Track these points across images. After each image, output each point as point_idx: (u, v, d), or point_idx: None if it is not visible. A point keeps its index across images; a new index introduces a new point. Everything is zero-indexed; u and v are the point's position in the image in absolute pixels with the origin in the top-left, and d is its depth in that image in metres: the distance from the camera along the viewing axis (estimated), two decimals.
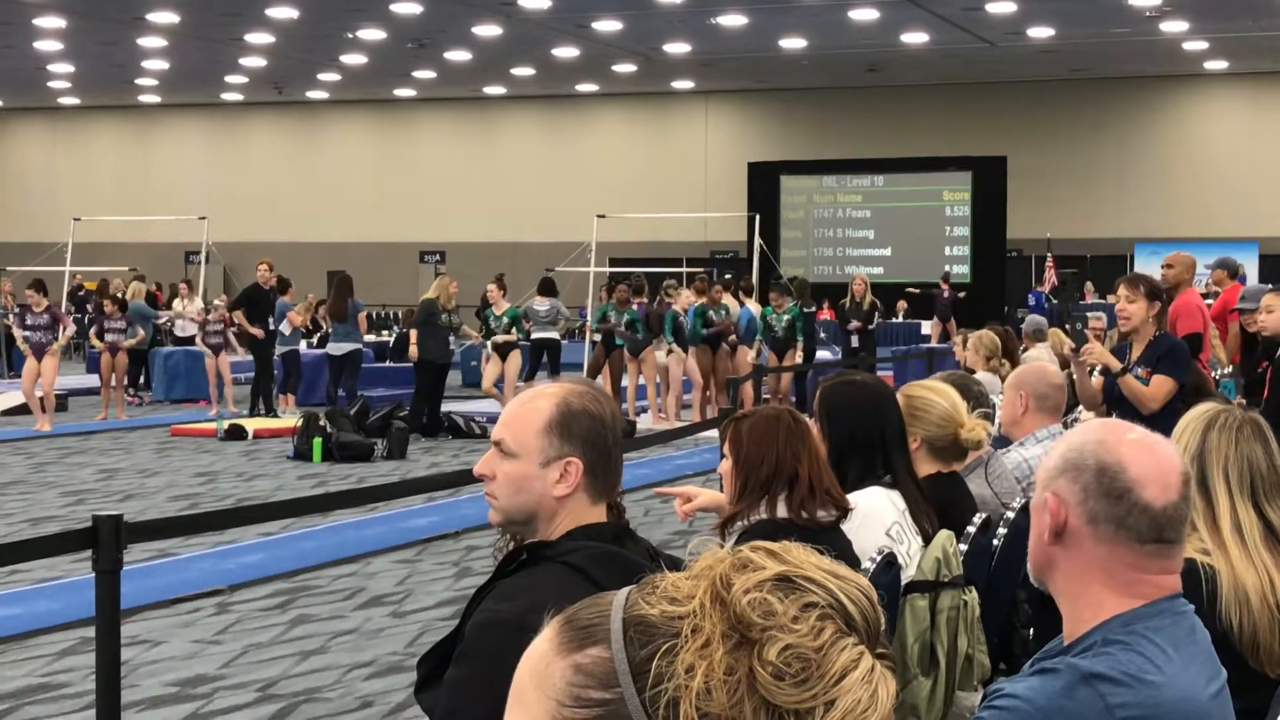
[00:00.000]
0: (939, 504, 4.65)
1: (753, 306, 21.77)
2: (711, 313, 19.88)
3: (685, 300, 20.23)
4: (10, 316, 25.37)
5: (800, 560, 1.34)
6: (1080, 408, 9.29)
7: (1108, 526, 2.39)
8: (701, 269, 30.20)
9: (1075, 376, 7.71)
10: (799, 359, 20.15)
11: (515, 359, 19.26)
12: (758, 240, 30.07)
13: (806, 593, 1.31)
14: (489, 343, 19.72)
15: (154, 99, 43.88)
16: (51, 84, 40.78)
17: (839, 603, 1.30)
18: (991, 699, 2.31)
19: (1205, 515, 3.69)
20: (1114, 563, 2.40)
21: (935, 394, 5.02)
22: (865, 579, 1.36)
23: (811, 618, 1.29)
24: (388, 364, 25.41)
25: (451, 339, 19.48)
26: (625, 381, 20.66)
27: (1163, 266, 11.07)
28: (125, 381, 21.53)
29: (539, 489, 2.97)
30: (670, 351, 19.97)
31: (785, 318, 20.04)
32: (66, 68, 37.63)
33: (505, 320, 19.20)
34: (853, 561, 3.94)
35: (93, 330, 21.44)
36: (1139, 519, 2.39)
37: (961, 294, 33.19)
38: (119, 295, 23.80)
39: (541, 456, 2.96)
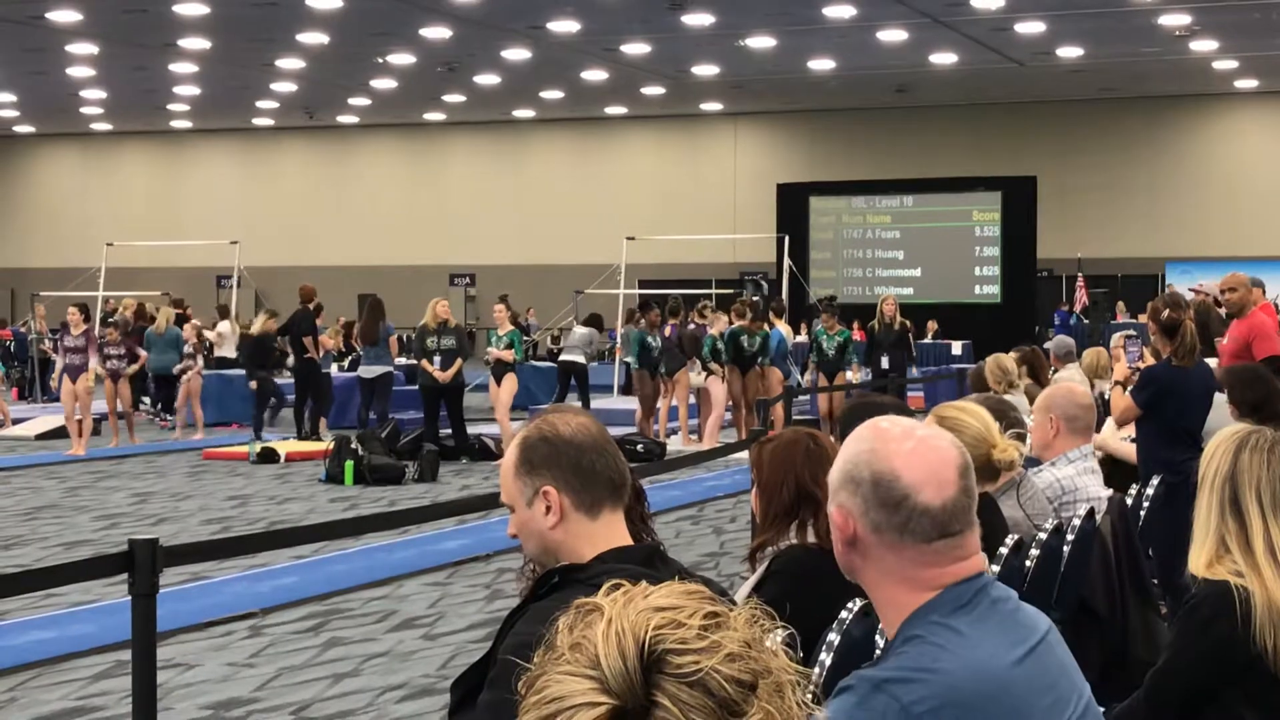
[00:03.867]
0: None
1: (783, 328, 21.74)
2: (745, 339, 19.81)
3: (721, 324, 20.20)
4: (46, 340, 25.54)
5: (619, 597, 1.47)
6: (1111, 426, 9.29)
7: (892, 534, 2.44)
8: (738, 291, 30.17)
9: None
10: (854, 380, 20.05)
11: (510, 381, 18.71)
12: (787, 261, 30.08)
13: (588, 626, 1.44)
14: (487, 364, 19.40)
15: (185, 124, 44.13)
16: (83, 110, 41.05)
17: (595, 641, 1.42)
18: None
19: (1238, 537, 3.69)
20: (906, 565, 2.45)
21: (967, 415, 5.01)
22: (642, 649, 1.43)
23: (568, 644, 1.44)
24: (417, 387, 25.40)
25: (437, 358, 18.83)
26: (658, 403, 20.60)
27: (1223, 290, 11.00)
28: (132, 406, 21.38)
29: (537, 528, 3.02)
30: (709, 375, 19.93)
31: (836, 340, 19.96)
32: (98, 93, 37.88)
33: (504, 341, 18.81)
34: None
35: (94, 356, 21.43)
36: (920, 521, 2.43)
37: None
38: (117, 320, 23.82)
39: (524, 498, 3.03)
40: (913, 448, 2.47)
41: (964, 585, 2.44)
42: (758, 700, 1.40)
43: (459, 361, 18.31)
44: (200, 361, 21.98)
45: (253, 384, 21.04)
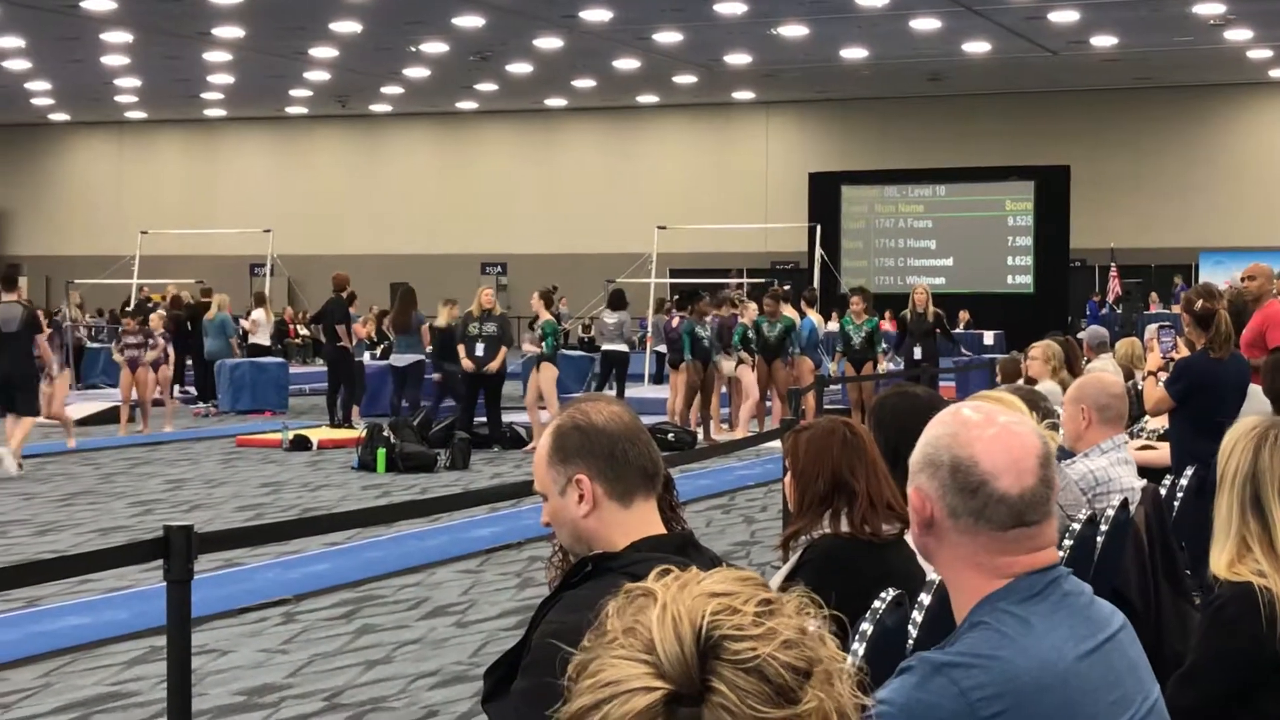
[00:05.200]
0: None
1: (815, 317, 21.70)
2: (765, 325, 19.77)
3: (752, 313, 20.18)
4: (81, 328, 25.68)
5: (671, 581, 1.46)
6: (1146, 417, 9.27)
7: (968, 519, 2.44)
8: (768, 280, 30.14)
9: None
10: (881, 370, 20.00)
11: (548, 371, 18.77)
12: (819, 251, 30.03)
13: (641, 611, 1.44)
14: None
15: (219, 113, 44.27)
16: (118, 98, 41.22)
17: (650, 625, 1.41)
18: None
19: (1261, 537, 3.66)
20: (979, 552, 2.45)
21: (1003, 405, 4.99)
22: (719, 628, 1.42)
23: (620, 628, 1.43)
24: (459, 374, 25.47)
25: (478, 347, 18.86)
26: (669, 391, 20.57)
27: (1243, 278, 10.98)
28: (161, 393, 21.44)
29: (569, 516, 3.03)
30: (740, 363, 19.92)
31: (864, 329, 19.90)
32: (133, 82, 38.02)
33: (539, 331, 18.90)
34: (917, 574, 3.94)
35: (114, 345, 21.51)
36: (996, 509, 2.43)
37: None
38: (132, 309, 23.96)
39: (557, 486, 3.03)
40: (994, 434, 2.47)
41: (1036, 576, 2.43)
42: (811, 688, 1.40)
43: (503, 350, 18.41)
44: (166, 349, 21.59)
45: (437, 376, 20.73)
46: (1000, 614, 2.39)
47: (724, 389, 20.58)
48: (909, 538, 4.19)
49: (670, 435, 18.10)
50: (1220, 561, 3.69)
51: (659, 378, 25.90)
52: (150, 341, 20.70)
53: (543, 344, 18.67)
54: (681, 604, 1.41)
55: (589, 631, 1.47)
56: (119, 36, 31.11)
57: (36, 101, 41.78)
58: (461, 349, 18.51)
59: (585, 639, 1.46)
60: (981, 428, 2.48)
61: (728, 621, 1.40)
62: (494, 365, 18.32)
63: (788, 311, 20.74)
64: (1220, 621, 3.65)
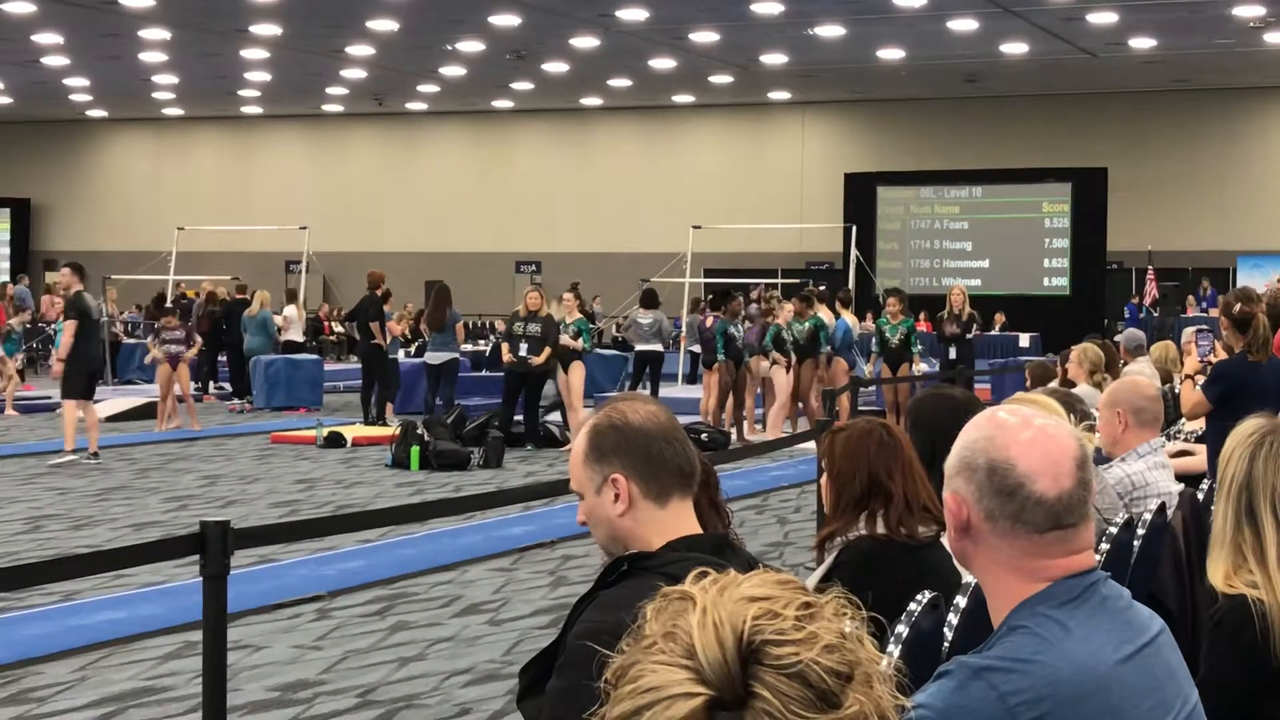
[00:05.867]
0: None
1: (849, 318, 21.66)
2: (795, 325, 19.75)
3: (787, 314, 20.15)
4: (118, 324, 25.82)
5: (710, 585, 1.46)
6: (1182, 420, 9.23)
7: (1005, 522, 2.43)
8: (803, 281, 30.10)
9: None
10: (916, 371, 19.95)
11: (578, 370, 18.88)
12: (854, 251, 29.99)
13: (680, 615, 1.43)
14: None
15: (256, 110, 44.43)
16: (155, 95, 41.40)
17: (690, 630, 1.40)
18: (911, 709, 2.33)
19: (1254, 548, 3.61)
20: (1017, 555, 2.43)
21: (1039, 407, 4.97)
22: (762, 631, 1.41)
23: (659, 633, 1.42)
24: (484, 373, 25.58)
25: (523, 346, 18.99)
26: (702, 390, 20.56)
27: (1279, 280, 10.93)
28: (193, 390, 21.56)
29: (606, 515, 3.02)
30: (774, 363, 19.90)
31: (900, 330, 19.86)
32: (170, 79, 38.18)
33: (572, 329, 18.98)
34: (953, 577, 3.93)
35: (150, 340, 21.63)
36: (1034, 512, 2.41)
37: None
38: (171, 304, 24.08)
39: (593, 485, 3.03)
40: (1031, 437, 2.45)
41: (1075, 579, 2.42)
42: (852, 691, 1.39)
43: (547, 350, 18.48)
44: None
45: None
46: (1039, 618, 2.37)
47: (758, 389, 20.56)
48: (945, 540, 4.18)
49: (704, 435, 18.09)
50: (1217, 573, 3.64)
51: (693, 378, 25.89)
52: (191, 338, 20.89)
53: (579, 339, 18.79)
54: (722, 608, 1.40)
55: (627, 635, 1.46)
56: (157, 34, 31.25)
57: (75, 98, 41.99)
58: (505, 347, 18.68)
59: (623, 642, 1.45)
60: (1018, 430, 2.47)
61: (769, 626, 1.39)
62: (536, 360, 18.42)
63: (822, 312, 20.71)
64: (1222, 634, 3.61)
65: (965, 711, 2.28)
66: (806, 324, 19.74)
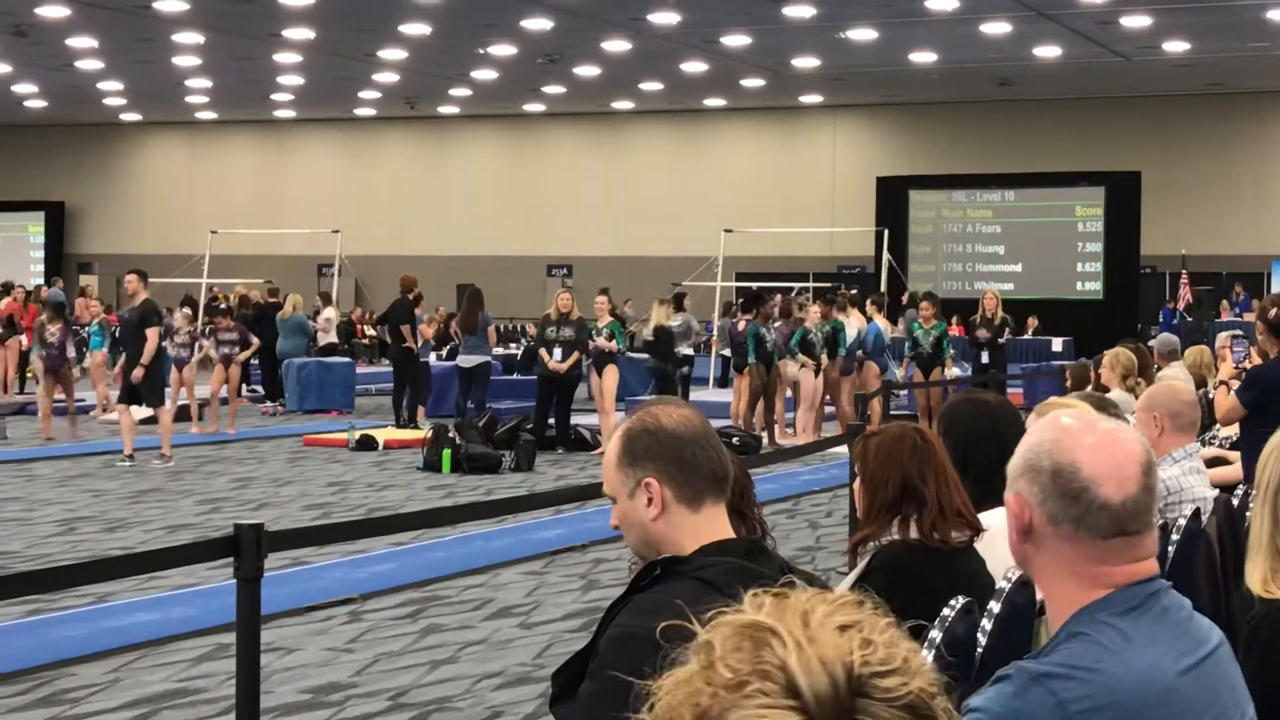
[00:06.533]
0: None
1: (881, 322, 21.62)
2: (813, 335, 19.73)
3: (814, 316, 20.14)
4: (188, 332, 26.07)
5: (788, 616, 1.38)
6: (1217, 425, 9.19)
7: (1067, 526, 2.40)
8: (835, 285, 30.05)
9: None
10: (949, 375, 19.91)
11: (612, 373, 18.91)
12: (886, 255, 29.93)
13: (762, 647, 1.35)
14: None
15: (289, 114, 44.57)
16: (189, 99, 41.56)
17: (784, 666, 1.33)
18: (964, 714, 2.31)
19: None
20: (1079, 559, 2.40)
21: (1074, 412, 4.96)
22: (893, 651, 1.36)
23: (745, 671, 1.34)
24: (516, 377, 25.61)
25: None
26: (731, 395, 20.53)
27: None
28: (242, 393, 21.71)
29: (638, 519, 3.01)
30: (803, 366, 19.88)
31: (933, 334, 19.81)
32: (204, 83, 38.33)
33: (605, 332, 18.99)
34: (988, 581, 3.92)
35: (208, 342, 21.79)
36: (1097, 517, 2.39)
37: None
38: (227, 306, 24.21)
39: (626, 489, 3.02)
40: (1096, 441, 2.43)
41: (1137, 587, 2.40)
42: (938, 708, 1.37)
43: (576, 354, 18.51)
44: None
45: (667, 371, 20.59)
46: (1099, 625, 2.35)
47: (789, 393, 20.53)
48: (979, 545, 4.17)
49: (735, 439, 18.08)
50: (1254, 578, 3.60)
51: (724, 381, 25.88)
52: (246, 339, 21.05)
53: (613, 341, 18.84)
54: (821, 641, 1.35)
55: (693, 673, 1.38)
56: (190, 37, 31.37)
57: (109, 102, 42.19)
58: (543, 352, 18.71)
59: (691, 681, 1.37)
60: (1085, 433, 2.44)
61: (872, 657, 1.35)
62: (561, 367, 18.42)
63: (853, 316, 20.69)
64: (1257, 643, 3.57)
65: (1023, 717, 2.26)
66: (825, 327, 19.75)
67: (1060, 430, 2.46)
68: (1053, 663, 2.31)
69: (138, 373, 16.45)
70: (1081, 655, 2.30)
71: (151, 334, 16.48)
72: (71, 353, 20.53)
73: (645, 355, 27.84)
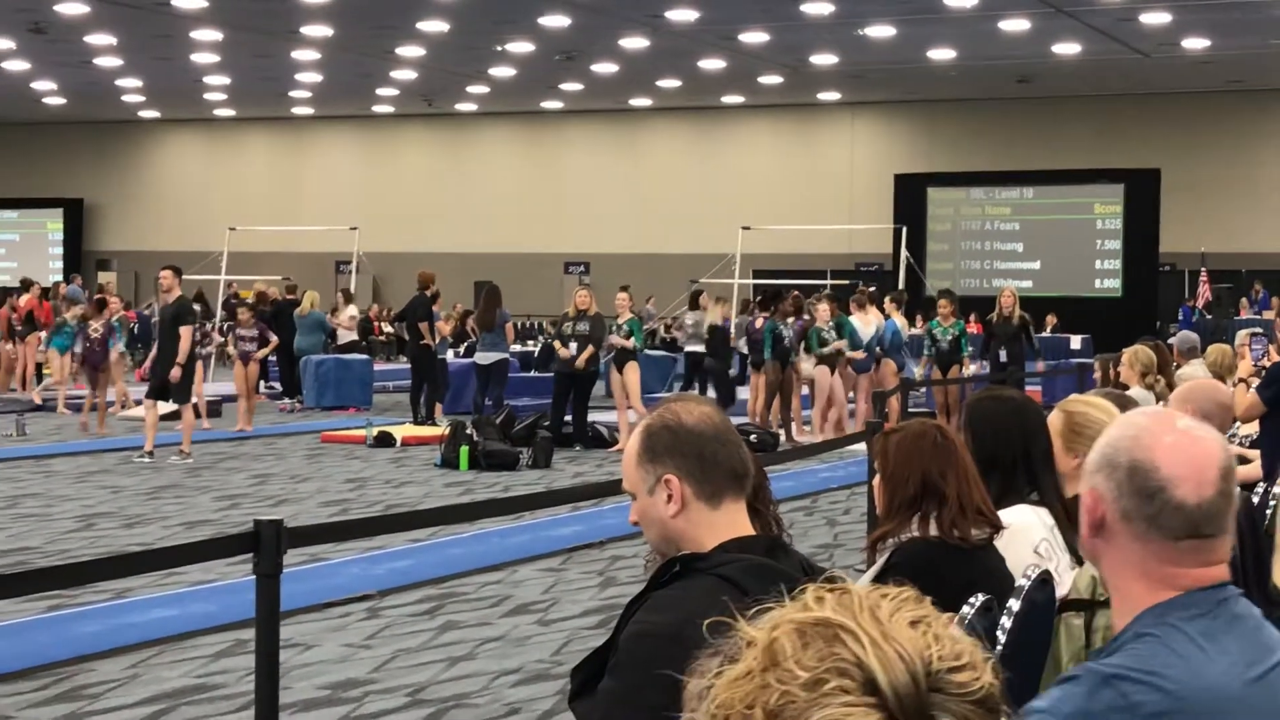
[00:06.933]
0: None
1: (899, 320, 21.58)
2: (826, 333, 19.70)
3: (823, 315, 20.09)
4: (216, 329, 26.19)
5: (857, 612, 1.36)
6: (1237, 423, 9.16)
7: (1140, 524, 2.37)
8: (854, 282, 30.02)
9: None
10: (967, 373, 19.87)
11: (633, 370, 18.93)
12: (904, 252, 29.89)
13: (834, 644, 1.33)
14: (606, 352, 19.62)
15: (307, 111, 44.64)
16: (208, 96, 41.66)
17: (861, 663, 1.32)
18: (1025, 716, 2.28)
19: None
20: (1149, 559, 2.37)
21: (1096, 409, 4.94)
22: (952, 648, 1.34)
23: (821, 669, 1.32)
24: (533, 374, 25.63)
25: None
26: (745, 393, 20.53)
27: None
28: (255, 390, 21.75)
29: (658, 515, 3.01)
30: (818, 363, 19.86)
31: (951, 332, 19.77)
32: (222, 80, 38.41)
33: (625, 328, 19.02)
34: (1008, 579, 3.90)
35: (228, 337, 21.84)
36: (1172, 517, 2.35)
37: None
38: (249, 302, 24.25)
39: (645, 486, 3.01)
40: (1175, 441, 2.39)
41: (1208, 593, 2.36)
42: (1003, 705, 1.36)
43: (590, 348, 18.52)
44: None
45: (722, 370, 20.52)
46: (1168, 628, 2.32)
47: (805, 390, 20.51)
48: (998, 542, 4.16)
49: (752, 436, 18.06)
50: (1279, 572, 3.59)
51: (741, 378, 25.86)
52: (266, 337, 21.09)
53: (631, 339, 18.84)
54: (896, 637, 1.33)
55: (754, 671, 1.36)
56: (209, 35, 31.44)
57: (127, 99, 42.29)
58: (557, 343, 18.75)
59: (753, 679, 1.35)
60: (1165, 432, 2.41)
61: (945, 652, 1.34)
62: (578, 360, 18.44)
63: (870, 313, 20.65)
64: None
65: (1093, 719, 2.23)
66: (831, 323, 19.75)
67: (1141, 427, 2.43)
68: (1122, 665, 2.27)
69: (175, 372, 16.45)
70: (1151, 658, 2.27)
71: (185, 332, 16.51)
72: (112, 349, 20.65)
73: (663, 353, 27.89)
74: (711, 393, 22.52)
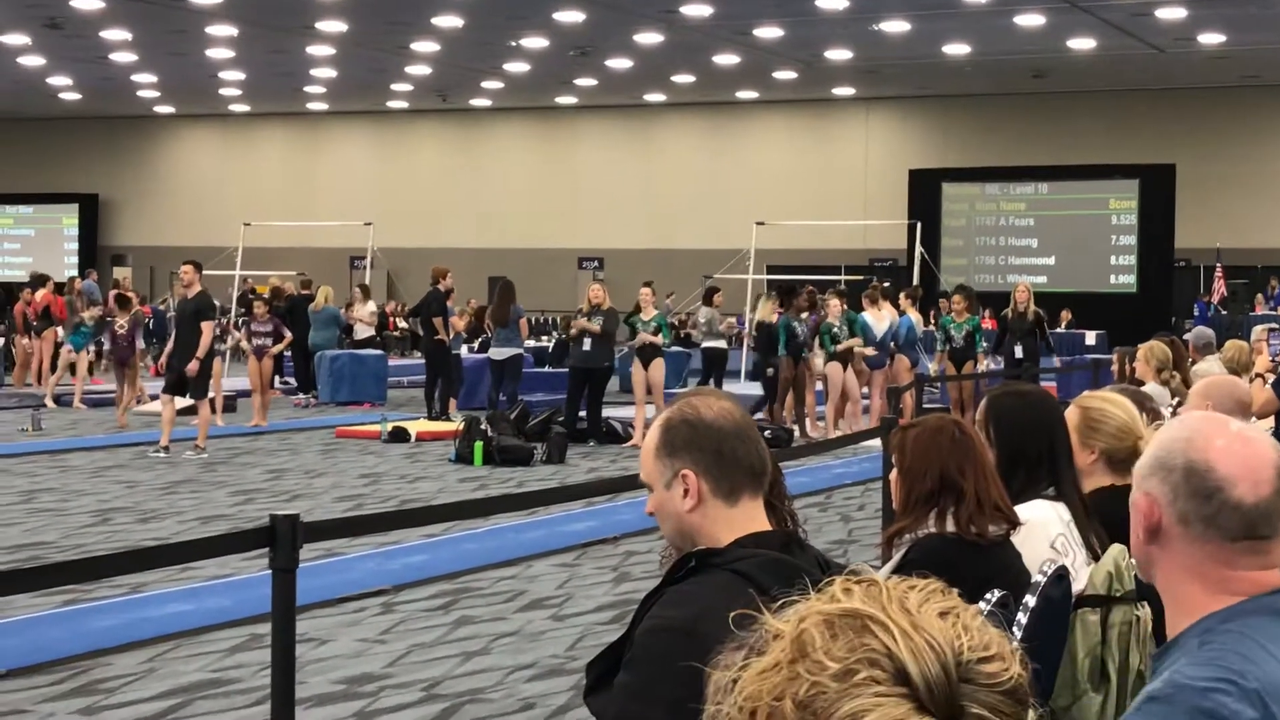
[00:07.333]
0: (1111, 518, 4.57)
1: (914, 315, 21.55)
2: (837, 329, 19.69)
3: (834, 310, 20.06)
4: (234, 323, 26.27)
5: (886, 603, 1.36)
6: (1253, 418, 9.14)
7: (1198, 526, 2.35)
8: (867, 278, 29.99)
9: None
10: (981, 369, 19.84)
11: (659, 365, 18.99)
12: (918, 248, 29.85)
13: (864, 634, 1.33)
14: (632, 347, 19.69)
15: (321, 106, 44.68)
16: (223, 91, 41.71)
17: (892, 653, 1.31)
18: None
19: None
20: (1206, 561, 2.35)
21: (1112, 405, 4.93)
22: (985, 640, 1.34)
23: (851, 659, 1.31)
24: (547, 369, 25.64)
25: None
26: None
27: None
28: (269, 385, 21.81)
29: (674, 509, 3.01)
30: (830, 359, 19.84)
31: (965, 328, 19.74)
32: (237, 75, 38.46)
33: (652, 325, 19.08)
34: (1024, 575, 3.90)
35: (242, 332, 21.87)
36: (1229, 517, 2.33)
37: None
38: (264, 297, 24.28)
39: (663, 479, 3.01)
40: (1230, 441, 2.38)
41: (1268, 598, 2.33)
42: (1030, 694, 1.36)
43: (599, 329, 18.67)
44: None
45: (769, 370, 20.52)
46: (1233, 635, 2.28)
47: (819, 386, 20.50)
48: (1015, 539, 4.15)
49: (766, 432, 18.06)
50: None
51: (754, 374, 25.83)
52: (280, 333, 21.11)
53: (659, 334, 18.93)
54: (926, 627, 1.33)
55: (782, 662, 1.35)
56: (224, 30, 31.48)
57: (142, 94, 42.37)
58: (580, 320, 18.98)
59: (781, 670, 1.35)
60: (1218, 434, 2.39)
61: (974, 642, 1.34)
62: (594, 327, 18.63)
63: (884, 308, 20.61)
64: None
65: None
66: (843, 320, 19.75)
67: (1193, 430, 2.41)
68: (1207, 675, 2.20)
69: (193, 366, 16.52)
70: (1226, 666, 2.21)
71: (206, 327, 16.61)
72: (140, 344, 20.74)
73: (678, 348, 27.87)
74: (742, 389, 22.53)
